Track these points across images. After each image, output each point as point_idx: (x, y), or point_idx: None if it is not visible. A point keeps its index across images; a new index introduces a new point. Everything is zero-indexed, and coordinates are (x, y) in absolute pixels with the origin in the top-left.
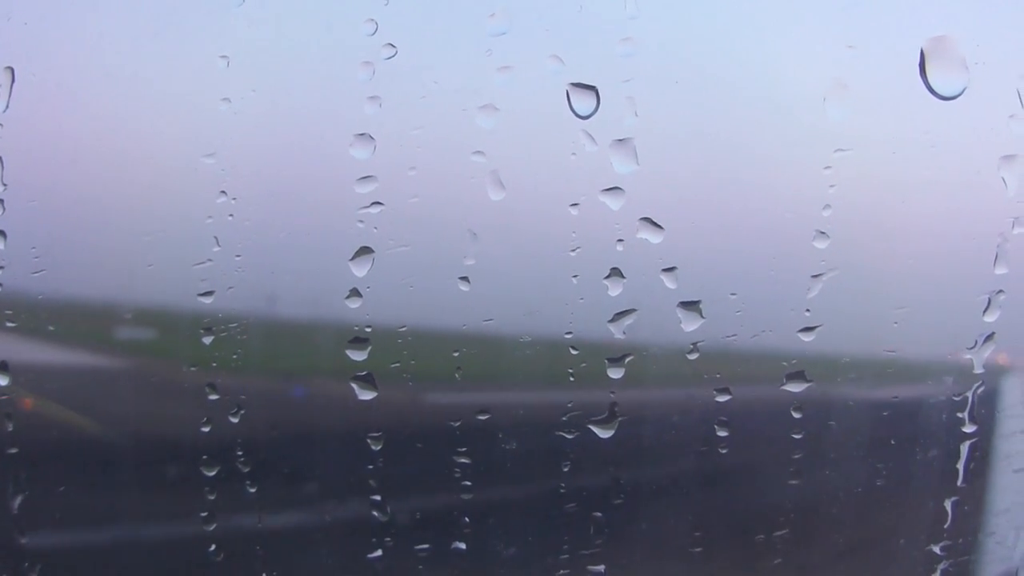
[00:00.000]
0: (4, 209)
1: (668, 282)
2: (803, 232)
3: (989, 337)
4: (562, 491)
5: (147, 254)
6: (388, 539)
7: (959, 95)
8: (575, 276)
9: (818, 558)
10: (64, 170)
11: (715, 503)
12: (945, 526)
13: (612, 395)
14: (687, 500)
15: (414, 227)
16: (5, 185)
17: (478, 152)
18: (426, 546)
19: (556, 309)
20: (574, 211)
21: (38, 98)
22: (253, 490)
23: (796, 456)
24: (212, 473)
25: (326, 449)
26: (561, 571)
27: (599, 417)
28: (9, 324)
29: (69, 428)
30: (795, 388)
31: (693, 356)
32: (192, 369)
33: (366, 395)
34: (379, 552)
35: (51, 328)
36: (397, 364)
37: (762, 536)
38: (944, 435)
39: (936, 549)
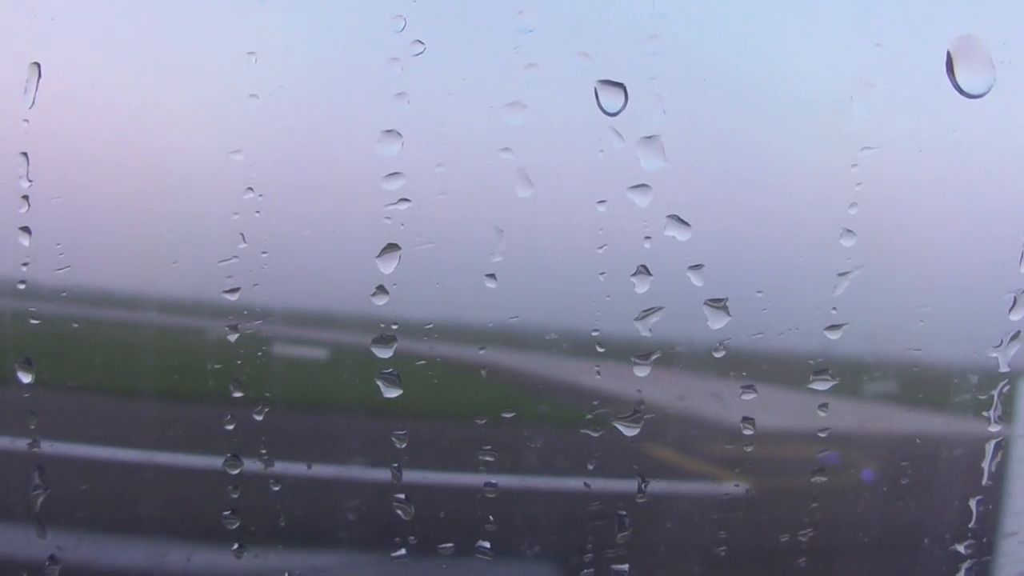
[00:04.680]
0: (29, 205)
1: (695, 279)
2: (830, 230)
3: (1015, 336)
4: (587, 489)
5: (172, 250)
6: (412, 537)
7: (985, 93)
8: (602, 273)
9: (843, 557)
10: (90, 166)
11: (740, 502)
12: (970, 525)
13: (638, 393)
14: (712, 499)
15: (441, 224)
16: (31, 181)
17: (505, 149)
18: (450, 544)
19: (582, 306)
20: (601, 208)
21: (64, 94)
22: (277, 488)
23: (821, 453)
24: (236, 471)
25: (351, 447)
26: (585, 570)
27: (625, 415)
28: (33, 321)
29: (89, 424)
30: (821, 386)
31: (719, 354)
32: (217, 366)
33: (391, 393)
34: (403, 551)
35: (75, 325)
36: (423, 361)
37: (787, 535)
38: (969, 434)
39: (960, 548)
